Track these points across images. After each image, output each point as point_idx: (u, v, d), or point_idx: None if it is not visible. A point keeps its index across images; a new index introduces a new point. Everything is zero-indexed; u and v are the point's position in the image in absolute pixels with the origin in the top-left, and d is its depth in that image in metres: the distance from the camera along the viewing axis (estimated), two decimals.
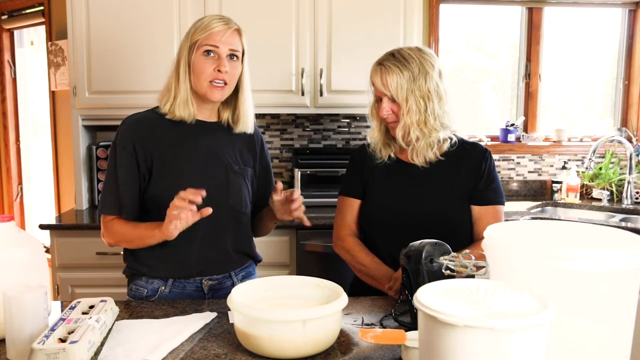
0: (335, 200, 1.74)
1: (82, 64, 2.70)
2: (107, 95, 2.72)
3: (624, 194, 3.10)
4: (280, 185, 1.51)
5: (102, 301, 1.29)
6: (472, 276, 1.14)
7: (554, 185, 3.22)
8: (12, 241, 1.21)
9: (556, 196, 3.21)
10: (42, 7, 3.26)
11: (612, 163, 3.24)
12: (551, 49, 3.37)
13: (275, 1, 2.71)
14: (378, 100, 1.59)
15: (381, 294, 1.54)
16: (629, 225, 2.78)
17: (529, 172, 3.33)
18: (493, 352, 0.76)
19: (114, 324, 1.28)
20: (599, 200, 3.14)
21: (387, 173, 1.64)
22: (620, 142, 3.08)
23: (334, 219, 1.72)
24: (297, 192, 1.51)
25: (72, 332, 1.10)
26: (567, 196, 3.15)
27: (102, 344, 1.17)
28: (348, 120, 3.20)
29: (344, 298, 1.18)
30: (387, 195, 1.63)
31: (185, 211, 1.33)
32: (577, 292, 0.89)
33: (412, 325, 1.23)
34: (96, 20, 2.67)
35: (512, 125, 3.29)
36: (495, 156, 3.20)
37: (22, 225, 3.76)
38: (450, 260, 1.20)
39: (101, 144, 2.89)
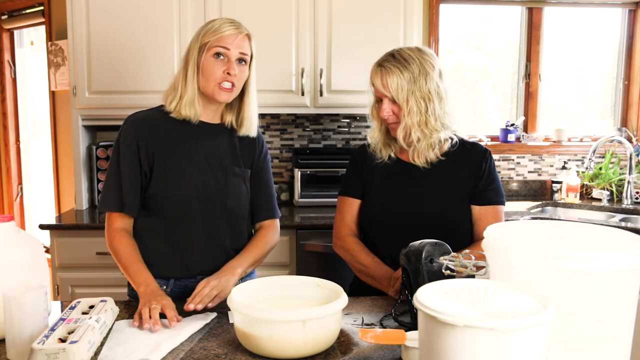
0: (335, 200, 1.74)
1: (82, 64, 2.70)
2: (107, 95, 2.72)
3: (624, 194, 3.10)
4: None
5: (102, 301, 1.29)
6: (472, 276, 1.14)
7: (554, 185, 3.22)
8: (12, 241, 1.21)
9: (556, 196, 3.21)
10: (42, 7, 3.26)
11: (612, 163, 3.24)
12: (551, 49, 3.37)
13: (275, 1, 2.71)
14: (378, 100, 1.58)
15: (381, 294, 1.54)
16: (629, 225, 2.77)
17: (529, 172, 3.33)
18: (493, 352, 0.76)
19: (114, 324, 1.28)
20: (599, 200, 3.14)
21: (387, 173, 1.64)
22: (620, 142, 3.08)
23: (334, 219, 1.72)
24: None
25: (72, 332, 1.10)
26: (567, 196, 3.15)
27: (102, 344, 1.17)
28: (348, 120, 3.20)
29: (344, 298, 1.18)
30: (387, 195, 1.63)
31: (146, 315, 1.28)
32: (577, 292, 0.89)
33: (412, 325, 1.23)
34: (96, 20, 2.67)
35: (512, 125, 3.29)
36: (495, 156, 3.20)
37: (22, 225, 3.76)
38: (450, 260, 1.20)
39: (101, 144, 2.89)
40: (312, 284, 1.30)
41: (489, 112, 3.51)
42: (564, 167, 3.32)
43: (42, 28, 3.34)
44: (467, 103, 3.47)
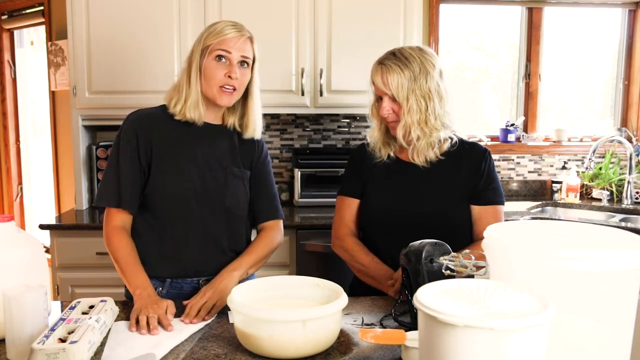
0: (335, 200, 1.74)
1: (82, 64, 2.70)
2: (107, 95, 2.72)
3: (624, 194, 3.10)
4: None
5: (102, 301, 1.29)
6: (472, 276, 1.14)
7: (554, 185, 3.22)
8: (12, 241, 1.21)
9: (556, 196, 3.21)
10: (42, 7, 3.26)
11: (612, 163, 3.24)
12: (551, 49, 3.37)
13: (275, 1, 2.71)
14: (378, 99, 1.58)
15: (381, 294, 1.54)
16: (629, 225, 2.77)
17: (529, 172, 3.33)
18: (493, 352, 0.76)
19: (113, 324, 1.28)
20: (599, 200, 3.14)
21: (387, 173, 1.64)
22: (620, 142, 3.08)
23: (333, 219, 1.72)
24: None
25: (72, 332, 1.10)
26: (567, 196, 3.15)
27: (102, 344, 1.17)
28: (348, 120, 3.20)
29: (344, 298, 1.18)
30: (387, 195, 1.63)
31: (143, 322, 1.27)
32: (577, 292, 0.89)
33: (412, 325, 1.23)
34: (96, 21, 2.67)
35: (512, 125, 3.29)
36: (495, 156, 3.21)
37: (22, 225, 3.76)
38: (450, 260, 1.20)
39: (101, 144, 2.89)
40: (312, 284, 1.30)
41: (489, 112, 3.51)
42: (564, 167, 3.32)
43: (42, 28, 3.34)
44: (467, 103, 3.47)
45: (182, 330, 1.23)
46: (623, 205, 3.03)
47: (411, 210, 1.59)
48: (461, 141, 1.62)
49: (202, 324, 1.29)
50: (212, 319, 1.33)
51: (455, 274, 1.18)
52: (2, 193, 3.74)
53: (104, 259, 2.48)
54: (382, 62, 1.54)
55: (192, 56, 1.51)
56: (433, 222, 1.56)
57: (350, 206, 1.68)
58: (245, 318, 1.12)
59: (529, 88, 3.36)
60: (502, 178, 3.28)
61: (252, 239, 1.66)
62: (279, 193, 1.74)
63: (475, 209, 1.59)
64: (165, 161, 1.53)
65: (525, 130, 3.38)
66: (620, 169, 3.24)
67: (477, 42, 3.48)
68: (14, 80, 3.68)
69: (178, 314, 1.34)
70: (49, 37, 3.22)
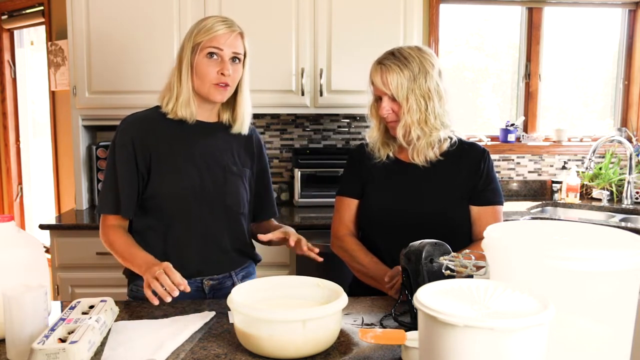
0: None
1: (82, 64, 2.70)
2: (107, 95, 2.72)
3: (624, 194, 3.10)
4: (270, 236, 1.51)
5: (102, 301, 1.29)
6: (472, 276, 1.14)
7: (554, 185, 3.22)
8: (12, 241, 1.21)
9: (556, 196, 3.21)
10: (42, 7, 3.26)
11: (612, 163, 3.24)
12: (551, 49, 3.37)
13: (275, 1, 2.71)
14: (378, 99, 1.58)
15: (381, 294, 1.54)
16: (629, 225, 2.77)
17: (529, 172, 3.33)
18: (493, 352, 0.76)
19: (113, 324, 1.28)
20: (599, 200, 3.14)
21: (387, 173, 1.64)
22: (620, 142, 3.08)
23: (332, 219, 1.72)
24: (291, 239, 1.50)
25: (72, 332, 1.10)
26: (567, 196, 3.15)
27: (102, 344, 1.17)
28: (348, 120, 3.20)
29: (344, 298, 1.18)
30: (387, 195, 1.63)
31: (158, 287, 1.28)
32: (577, 292, 0.89)
33: (412, 325, 1.23)
34: (96, 20, 2.67)
35: (512, 125, 3.29)
36: (495, 156, 3.20)
37: (22, 225, 3.75)
38: (450, 260, 1.20)
39: (101, 144, 2.89)
40: (312, 284, 1.30)
41: (489, 112, 3.51)
42: (564, 167, 3.32)
43: (42, 28, 3.34)
44: (467, 103, 3.47)
45: (183, 331, 1.23)
46: (623, 205, 3.03)
47: (411, 210, 1.59)
48: (460, 141, 1.62)
49: (201, 324, 1.28)
50: (212, 318, 1.33)
51: (455, 274, 1.18)
52: (2, 193, 3.74)
53: (104, 259, 2.48)
54: (381, 62, 1.54)
55: (182, 53, 1.51)
56: (433, 222, 1.56)
57: (350, 206, 1.68)
58: (245, 318, 1.12)
59: (529, 88, 3.36)
60: (502, 178, 3.28)
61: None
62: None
63: (475, 209, 1.59)
64: (163, 164, 1.52)
65: (525, 130, 3.38)
66: (620, 169, 3.24)
67: (477, 42, 3.48)
68: (14, 80, 3.68)
69: (178, 314, 1.34)
70: (49, 37, 3.22)
